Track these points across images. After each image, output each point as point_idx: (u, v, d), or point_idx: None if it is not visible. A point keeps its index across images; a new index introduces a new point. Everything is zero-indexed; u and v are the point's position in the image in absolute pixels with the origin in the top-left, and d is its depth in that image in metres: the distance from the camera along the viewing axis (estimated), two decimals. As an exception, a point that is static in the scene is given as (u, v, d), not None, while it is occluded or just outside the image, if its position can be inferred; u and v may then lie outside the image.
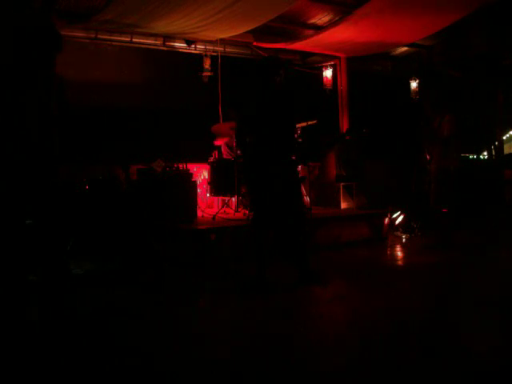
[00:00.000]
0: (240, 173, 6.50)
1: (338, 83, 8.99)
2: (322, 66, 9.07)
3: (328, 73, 8.97)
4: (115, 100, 7.46)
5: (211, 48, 7.95)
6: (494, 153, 11.35)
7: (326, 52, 8.49)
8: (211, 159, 7.35)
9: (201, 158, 7.50)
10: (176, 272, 4.97)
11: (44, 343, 2.95)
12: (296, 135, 4.54)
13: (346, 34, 7.33)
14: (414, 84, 9.61)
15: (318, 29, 7.58)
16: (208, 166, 7.29)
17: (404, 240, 7.13)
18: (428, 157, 6.30)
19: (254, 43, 8.05)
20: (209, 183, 7.16)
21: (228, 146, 7.57)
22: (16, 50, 2.88)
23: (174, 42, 7.80)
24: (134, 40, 7.40)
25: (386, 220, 7.18)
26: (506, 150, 12.14)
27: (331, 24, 7.32)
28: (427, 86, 9.37)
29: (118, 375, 2.56)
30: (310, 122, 6.89)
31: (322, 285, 4.30)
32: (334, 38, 7.48)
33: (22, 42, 2.89)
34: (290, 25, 7.74)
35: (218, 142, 7.59)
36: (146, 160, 6.10)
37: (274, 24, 7.37)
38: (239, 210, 6.67)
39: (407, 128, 9.09)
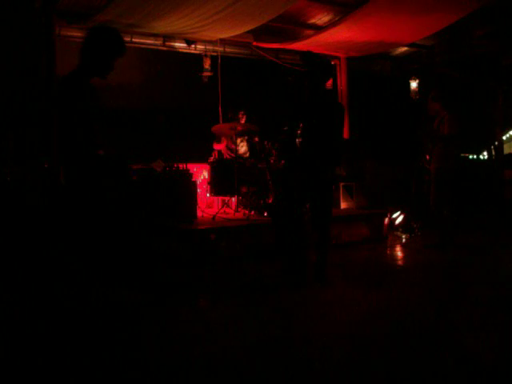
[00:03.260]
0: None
1: (338, 83, 9.00)
2: (322, 66, 9.07)
3: (328, 73, 8.97)
4: (115, 100, 7.45)
5: (211, 48, 7.95)
6: (493, 153, 11.35)
7: (326, 52, 8.48)
8: (211, 159, 7.35)
9: (201, 158, 7.50)
10: (176, 272, 4.97)
11: (42, 342, 2.95)
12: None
13: (345, 34, 7.33)
14: (413, 84, 9.60)
15: (318, 29, 7.58)
16: (208, 166, 7.29)
17: (404, 240, 7.13)
18: (428, 157, 6.30)
19: (254, 43, 8.05)
20: (209, 183, 7.16)
21: (228, 147, 7.57)
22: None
23: (174, 42, 7.80)
24: (134, 40, 7.39)
25: (386, 220, 7.18)
26: (506, 150, 12.14)
27: (331, 24, 7.32)
28: (427, 86, 9.37)
29: (117, 376, 2.56)
30: None
31: (322, 284, 4.31)
32: (334, 38, 7.48)
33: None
34: (290, 25, 7.74)
35: (217, 147, 7.58)
36: (146, 160, 6.10)
37: (274, 24, 7.37)
38: (239, 209, 6.67)
39: (407, 128, 9.10)
